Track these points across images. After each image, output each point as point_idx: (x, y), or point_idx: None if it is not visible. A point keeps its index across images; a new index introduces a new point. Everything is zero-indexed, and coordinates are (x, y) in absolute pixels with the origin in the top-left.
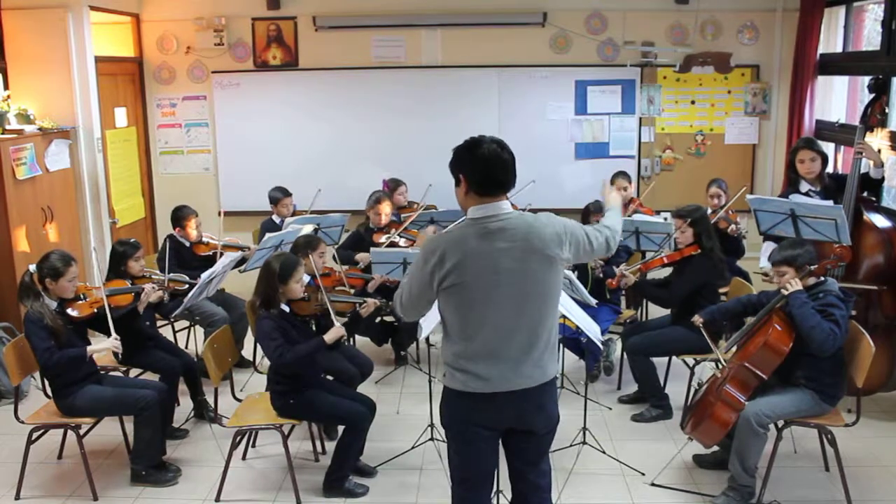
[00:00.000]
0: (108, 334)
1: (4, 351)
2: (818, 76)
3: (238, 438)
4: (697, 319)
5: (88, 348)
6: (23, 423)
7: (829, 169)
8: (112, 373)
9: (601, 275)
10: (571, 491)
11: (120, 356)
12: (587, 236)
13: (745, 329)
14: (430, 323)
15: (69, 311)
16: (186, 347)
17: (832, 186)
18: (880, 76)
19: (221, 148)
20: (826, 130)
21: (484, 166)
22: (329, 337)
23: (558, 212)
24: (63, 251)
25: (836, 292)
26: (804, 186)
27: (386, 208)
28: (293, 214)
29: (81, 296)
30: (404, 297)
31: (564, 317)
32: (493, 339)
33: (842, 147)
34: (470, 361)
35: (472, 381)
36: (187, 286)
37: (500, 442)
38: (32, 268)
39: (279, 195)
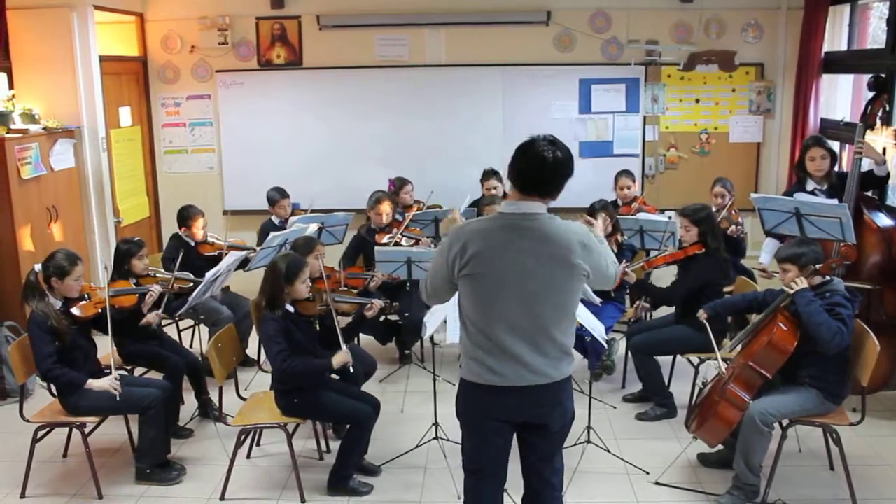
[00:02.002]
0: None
1: (10, 350)
2: (823, 74)
3: (242, 437)
4: (702, 314)
5: (88, 382)
6: (28, 421)
7: (836, 167)
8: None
9: None
10: (576, 490)
11: (118, 396)
12: (607, 260)
13: (749, 328)
14: (434, 322)
15: (73, 310)
16: (191, 346)
17: (839, 185)
18: (881, 74)
19: (226, 147)
20: (831, 129)
21: (526, 163)
22: (336, 361)
23: (562, 210)
24: (68, 250)
25: (842, 291)
26: (810, 185)
27: (386, 208)
28: (292, 214)
29: (86, 295)
30: (429, 284)
31: None
32: (507, 336)
33: (846, 145)
34: (485, 354)
35: (487, 374)
36: (192, 285)
37: (515, 437)
38: (38, 267)
39: (277, 196)
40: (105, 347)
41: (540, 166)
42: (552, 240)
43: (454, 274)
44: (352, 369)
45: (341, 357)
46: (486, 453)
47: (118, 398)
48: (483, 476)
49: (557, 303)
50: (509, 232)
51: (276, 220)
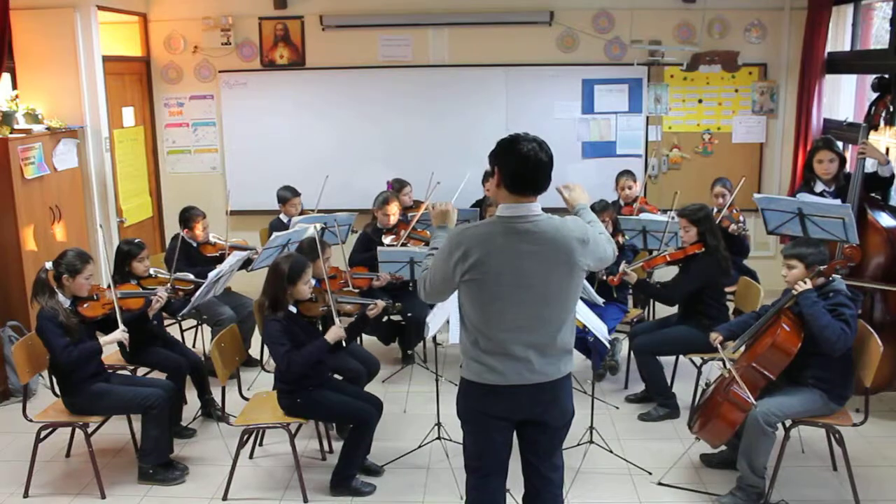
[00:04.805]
0: None
1: (13, 350)
2: (826, 74)
3: (245, 437)
4: (716, 338)
5: (101, 339)
6: (31, 421)
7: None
8: (120, 371)
9: (603, 276)
10: (578, 490)
11: (127, 346)
12: (606, 244)
13: (753, 329)
14: (437, 322)
15: (80, 309)
16: (194, 346)
17: (847, 187)
18: (885, 75)
19: (228, 147)
20: (834, 129)
21: (519, 164)
22: (330, 337)
23: (563, 212)
24: (79, 249)
25: (845, 292)
26: (819, 187)
27: (394, 209)
28: (301, 213)
29: (94, 296)
30: (427, 284)
31: None
32: (509, 338)
33: (850, 146)
34: (486, 354)
35: (487, 373)
36: (194, 286)
37: (516, 434)
38: (49, 265)
39: (288, 195)
40: (107, 349)
41: (535, 167)
42: (554, 241)
43: (455, 279)
44: (344, 343)
45: (334, 332)
46: (487, 451)
47: (127, 349)
48: (485, 474)
49: (563, 304)
50: (510, 236)
51: (284, 218)
